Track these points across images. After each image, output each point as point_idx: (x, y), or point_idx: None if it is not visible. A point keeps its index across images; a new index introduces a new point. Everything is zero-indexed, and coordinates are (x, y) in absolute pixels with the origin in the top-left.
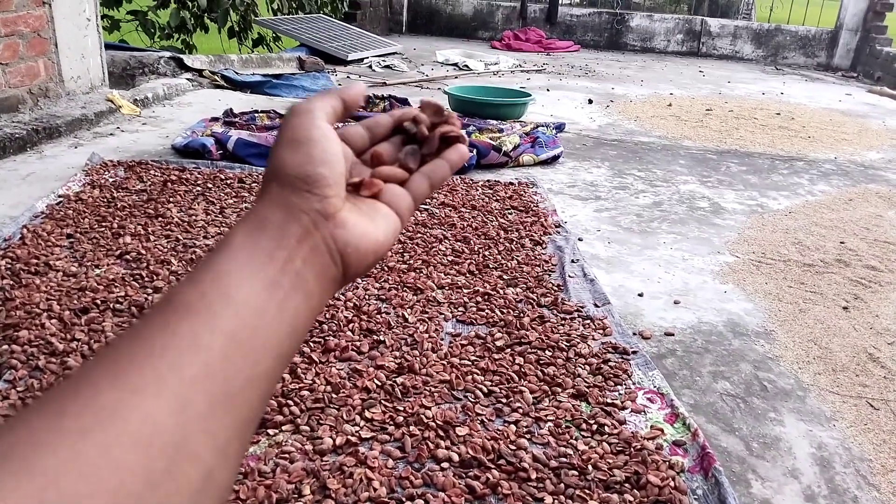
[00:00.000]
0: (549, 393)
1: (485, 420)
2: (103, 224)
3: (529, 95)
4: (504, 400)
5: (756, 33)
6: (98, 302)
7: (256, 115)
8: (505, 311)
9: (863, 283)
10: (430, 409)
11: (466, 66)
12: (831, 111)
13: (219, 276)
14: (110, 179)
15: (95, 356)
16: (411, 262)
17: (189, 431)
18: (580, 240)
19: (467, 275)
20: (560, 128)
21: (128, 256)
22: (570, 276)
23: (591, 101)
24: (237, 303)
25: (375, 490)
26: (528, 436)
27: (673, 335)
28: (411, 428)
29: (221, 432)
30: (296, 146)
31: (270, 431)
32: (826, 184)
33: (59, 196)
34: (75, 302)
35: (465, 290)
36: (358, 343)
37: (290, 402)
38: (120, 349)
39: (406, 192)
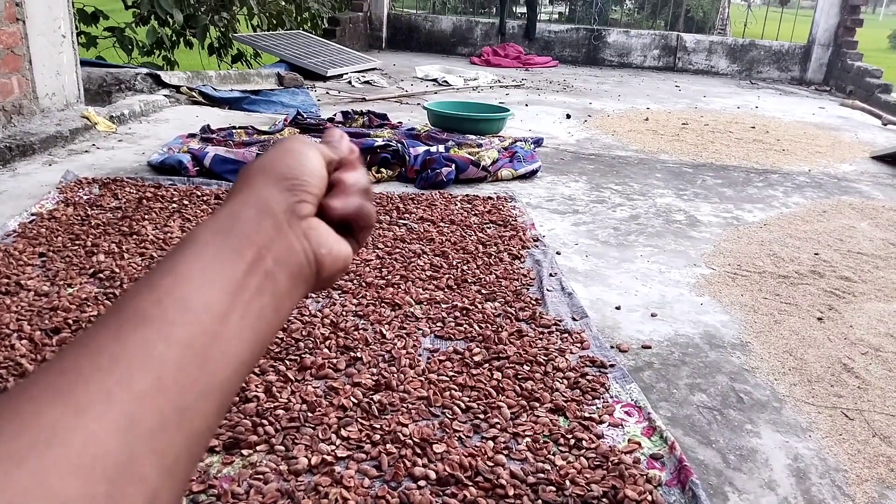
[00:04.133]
0: (527, 408)
1: (462, 436)
2: (76, 242)
3: (508, 111)
4: (482, 416)
5: (731, 48)
6: (70, 322)
7: (234, 131)
8: (483, 325)
9: (837, 293)
10: (407, 426)
11: (446, 81)
12: (805, 124)
13: (178, 280)
14: (84, 197)
15: (42, 367)
16: (389, 277)
17: (135, 452)
18: (558, 253)
19: (446, 290)
20: (538, 142)
21: (101, 275)
22: (548, 290)
23: (569, 116)
24: (196, 309)
25: None
26: (505, 451)
27: (650, 348)
28: (388, 446)
29: (170, 450)
30: (291, 154)
31: (244, 452)
32: (800, 196)
33: (32, 214)
34: (46, 322)
35: (444, 305)
36: (335, 360)
37: (265, 422)
38: (66, 361)
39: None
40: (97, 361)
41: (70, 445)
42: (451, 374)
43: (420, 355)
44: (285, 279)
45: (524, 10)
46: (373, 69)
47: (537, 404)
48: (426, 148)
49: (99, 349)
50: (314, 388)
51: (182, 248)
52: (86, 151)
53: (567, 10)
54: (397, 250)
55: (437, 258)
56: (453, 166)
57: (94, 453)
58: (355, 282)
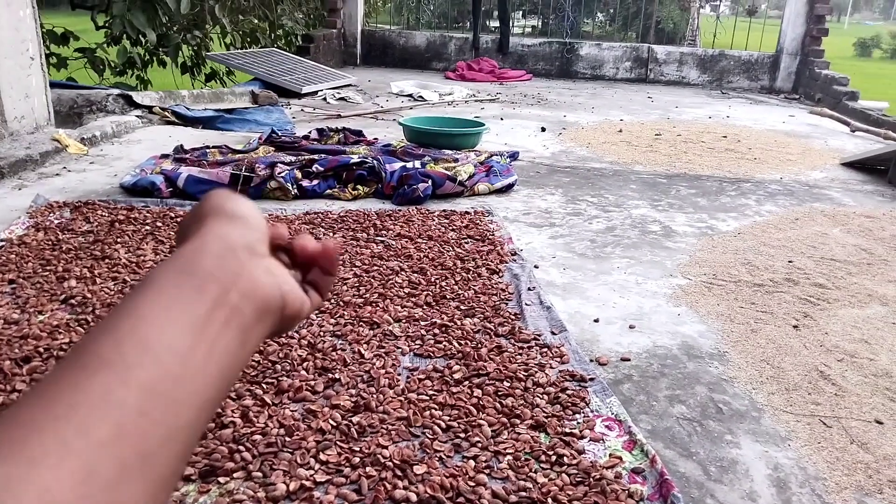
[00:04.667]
0: (508, 425)
1: (443, 456)
2: (47, 268)
3: (483, 125)
4: (462, 434)
5: (701, 59)
6: (41, 350)
7: (208, 150)
8: (462, 342)
9: (811, 301)
10: (387, 447)
11: (421, 96)
12: (776, 132)
13: (138, 321)
14: (55, 221)
15: None
16: (367, 295)
17: (94, 503)
18: (536, 267)
19: (424, 307)
20: (514, 156)
21: (73, 301)
22: (526, 305)
23: (543, 129)
24: (157, 350)
25: None
26: (486, 471)
27: (629, 360)
28: (368, 469)
29: (133, 498)
30: (231, 198)
31: (221, 479)
32: (773, 204)
33: (2, 240)
34: (16, 351)
35: (423, 323)
36: (312, 382)
37: (242, 448)
38: (21, 412)
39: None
40: (53, 410)
41: (21, 501)
42: (430, 392)
43: (399, 374)
44: (252, 312)
45: (497, 24)
46: (348, 86)
47: (518, 421)
48: (402, 164)
49: (56, 397)
50: (292, 411)
51: (143, 288)
52: (56, 175)
53: (540, 23)
54: (375, 268)
55: (416, 275)
56: (430, 182)
57: None
58: (333, 301)
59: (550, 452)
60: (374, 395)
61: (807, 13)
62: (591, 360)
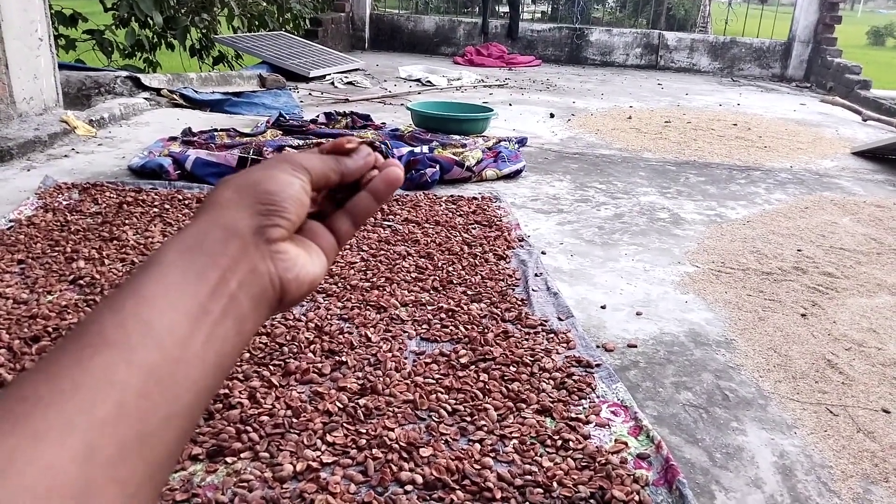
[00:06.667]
0: (514, 409)
1: (449, 440)
2: (56, 248)
3: (492, 110)
4: (468, 418)
5: (712, 46)
6: (50, 330)
7: (216, 133)
8: (469, 327)
9: (820, 289)
10: (393, 430)
11: (429, 81)
12: (786, 121)
13: (141, 302)
14: (64, 202)
15: (1, 394)
16: (374, 279)
17: (94, 481)
18: (543, 253)
19: (431, 291)
20: (522, 142)
21: (81, 282)
22: (533, 290)
23: (552, 115)
24: (159, 333)
25: None
26: (492, 454)
27: (636, 347)
28: (374, 451)
29: (132, 478)
30: (273, 180)
31: (228, 459)
32: (782, 192)
33: (11, 220)
34: (26, 330)
35: (429, 307)
36: (319, 365)
37: (249, 429)
38: (26, 387)
39: (329, 233)
40: (58, 387)
41: (26, 474)
42: (437, 376)
43: (406, 358)
44: (248, 302)
45: (507, 9)
46: (356, 70)
47: (524, 405)
48: (410, 149)
49: (59, 374)
50: (299, 393)
51: (146, 269)
52: (65, 156)
53: (549, 9)
54: (382, 252)
55: (423, 260)
56: (437, 167)
57: (50, 483)
58: (340, 285)
59: (556, 437)
60: (381, 378)
61: (820, 1)
62: (598, 346)
